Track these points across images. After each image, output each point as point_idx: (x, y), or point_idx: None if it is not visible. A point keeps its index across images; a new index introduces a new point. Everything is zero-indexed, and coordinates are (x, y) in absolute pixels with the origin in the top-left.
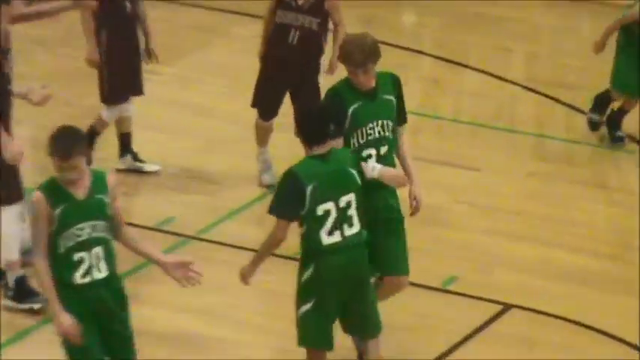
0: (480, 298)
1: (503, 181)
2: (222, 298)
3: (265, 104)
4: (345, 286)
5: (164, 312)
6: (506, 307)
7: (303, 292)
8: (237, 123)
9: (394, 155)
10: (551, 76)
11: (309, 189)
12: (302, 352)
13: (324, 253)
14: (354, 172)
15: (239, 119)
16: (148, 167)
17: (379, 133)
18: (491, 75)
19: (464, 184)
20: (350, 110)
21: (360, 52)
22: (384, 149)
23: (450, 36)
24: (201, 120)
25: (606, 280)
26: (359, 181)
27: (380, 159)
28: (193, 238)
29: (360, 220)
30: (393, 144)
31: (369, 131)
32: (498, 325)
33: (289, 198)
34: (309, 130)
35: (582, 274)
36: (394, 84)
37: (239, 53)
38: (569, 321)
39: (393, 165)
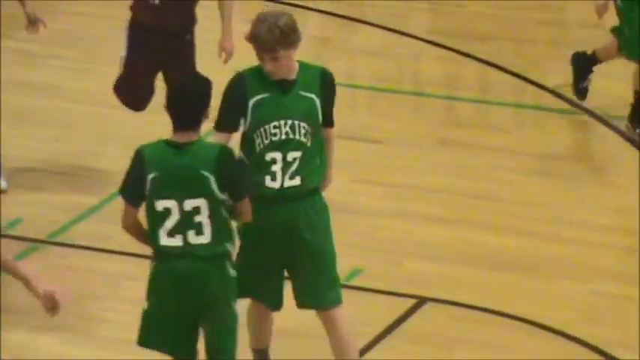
0: (390, 293)
1: (410, 154)
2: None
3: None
4: (187, 297)
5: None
6: (421, 300)
7: (147, 289)
8: (89, 102)
9: (313, 164)
10: (459, 27)
11: (149, 177)
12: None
13: (161, 253)
14: (208, 175)
15: (92, 98)
16: None
17: (286, 134)
18: (390, 30)
19: (364, 159)
20: (251, 101)
21: (269, 34)
22: (293, 155)
23: None
24: (48, 102)
25: (533, 263)
26: (213, 187)
27: (286, 165)
28: (44, 242)
29: (220, 232)
30: (311, 151)
31: (273, 130)
32: (412, 323)
33: (132, 179)
34: (169, 110)
35: (505, 257)
36: (322, 81)
37: (91, 20)
38: (493, 312)
39: (313, 175)
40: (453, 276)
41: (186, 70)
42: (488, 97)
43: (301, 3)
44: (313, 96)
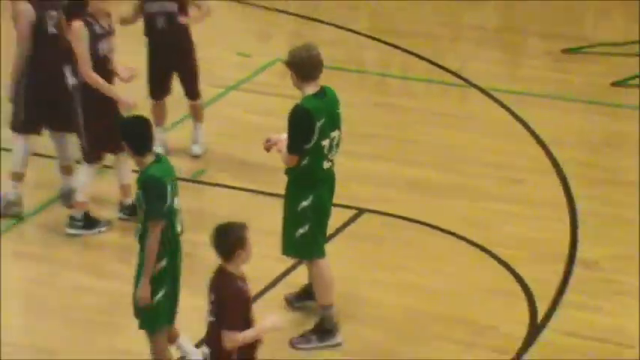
0: (339, 205)
1: (353, 112)
2: None
3: (154, 85)
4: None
5: None
6: (361, 211)
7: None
8: None
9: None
10: (392, 26)
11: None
12: None
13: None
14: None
15: None
16: None
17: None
18: (342, 28)
19: None
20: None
21: (320, 61)
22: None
23: None
24: None
25: (442, 188)
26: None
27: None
28: None
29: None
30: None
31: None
32: (354, 227)
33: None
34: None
35: (424, 183)
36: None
37: None
38: (412, 220)
39: None
40: (386, 195)
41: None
42: (411, 75)
43: (274, 4)
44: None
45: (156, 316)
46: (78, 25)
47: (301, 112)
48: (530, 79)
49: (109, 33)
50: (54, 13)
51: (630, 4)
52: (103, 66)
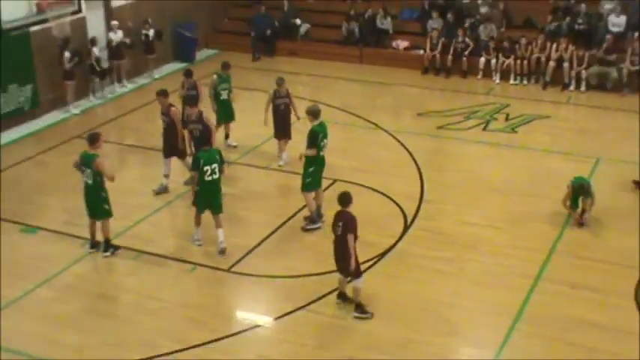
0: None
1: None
2: None
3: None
4: None
5: None
6: (335, 180)
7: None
8: None
9: None
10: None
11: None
12: None
13: None
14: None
15: None
16: None
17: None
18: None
19: None
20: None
21: (318, 113)
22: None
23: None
24: None
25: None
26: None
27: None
28: None
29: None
30: None
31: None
32: (330, 191)
33: None
34: None
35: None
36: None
37: None
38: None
39: None
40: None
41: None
42: None
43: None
44: None
45: (197, 202)
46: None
47: (314, 131)
48: None
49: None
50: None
51: None
52: None
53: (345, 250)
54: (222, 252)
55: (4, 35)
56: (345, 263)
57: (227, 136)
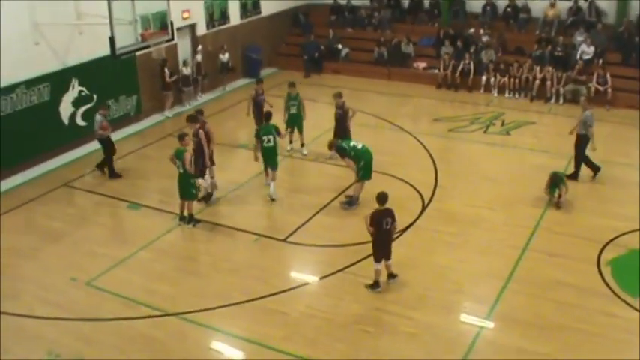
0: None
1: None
2: None
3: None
4: None
5: None
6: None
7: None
8: None
9: None
10: None
11: None
12: None
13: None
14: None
15: None
16: None
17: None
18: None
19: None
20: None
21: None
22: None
23: None
24: None
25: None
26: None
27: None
28: None
29: None
30: None
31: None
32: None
33: None
34: None
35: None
36: None
37: None
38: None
39: None
40: None
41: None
42: None
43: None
44: None
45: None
46: None
47: (340, 146)
48: None
49: None
50: None
51: None
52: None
53: (392, 238)
54: (273, 200)
55: (118, 59)
56: (390, 248)
57: (302, 145)
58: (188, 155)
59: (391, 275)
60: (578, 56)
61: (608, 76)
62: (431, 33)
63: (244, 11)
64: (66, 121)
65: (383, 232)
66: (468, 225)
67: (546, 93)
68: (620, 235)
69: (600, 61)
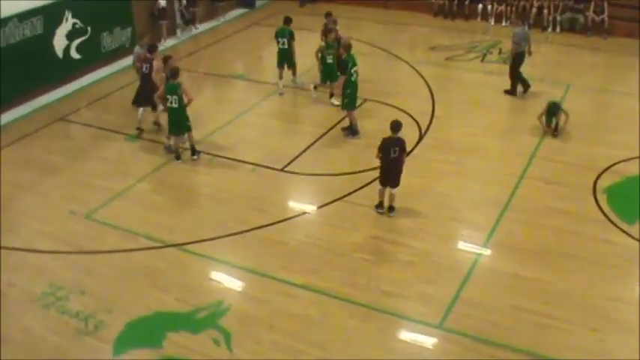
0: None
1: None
2: None
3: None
4: None
5: None
6: (365, 100)
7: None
8: None
9: None
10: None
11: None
12: None
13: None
14: None
15: None
16: None
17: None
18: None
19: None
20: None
21: (349, 47)
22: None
23: None
24: None
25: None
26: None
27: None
28: None
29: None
30: None
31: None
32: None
33: None
34: None
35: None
36: None
37: None
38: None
39: None
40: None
41: None
42: None
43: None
44: None
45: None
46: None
47: (344, 60)
48: None
49: None
50: None
51: None
52: None
53: (401, 168)
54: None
55: None
56: (398, 178)
57: (331, 95)
58: (186, 88)
59: (391, 208)
60: None
61: (605, 5)
62: None
63: None
64: (60, 54)
65: (390, 161)
66: (466, 153)
67: (543, 22)
68: (616, 163)
69: None
